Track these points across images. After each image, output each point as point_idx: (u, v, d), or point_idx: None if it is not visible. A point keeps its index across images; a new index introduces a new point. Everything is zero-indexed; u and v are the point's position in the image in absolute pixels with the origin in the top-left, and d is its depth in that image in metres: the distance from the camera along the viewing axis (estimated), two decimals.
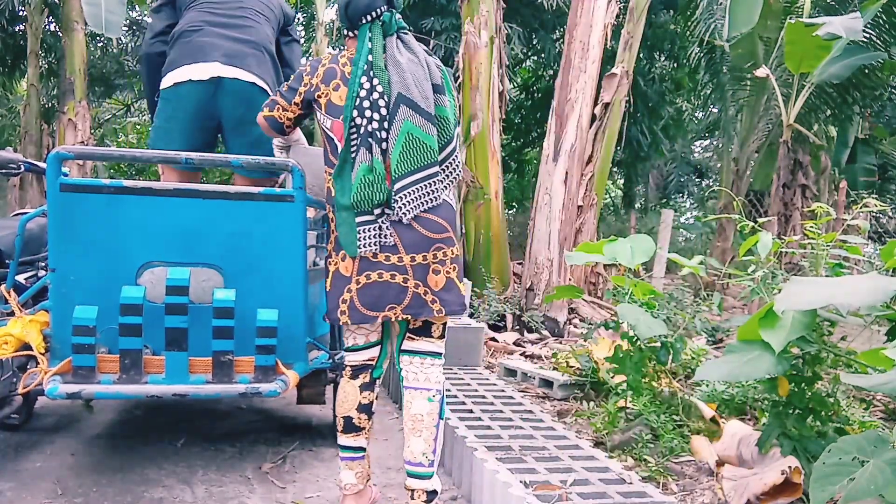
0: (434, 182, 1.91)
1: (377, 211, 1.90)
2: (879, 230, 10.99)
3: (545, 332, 5.18)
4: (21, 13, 10.90)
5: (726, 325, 3.92)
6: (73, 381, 1.90)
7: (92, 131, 9.06)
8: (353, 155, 1.90)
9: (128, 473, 2.42)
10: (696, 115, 15.09)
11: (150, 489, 2.30)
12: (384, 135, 1.89)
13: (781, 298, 1.72)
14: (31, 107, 10.42)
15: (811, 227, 2.53)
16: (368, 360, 2.06)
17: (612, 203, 18.46)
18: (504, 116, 6.28)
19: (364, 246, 1.90)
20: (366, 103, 1.89)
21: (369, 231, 1.90)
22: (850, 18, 5.87)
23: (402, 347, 2.03)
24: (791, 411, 2.23)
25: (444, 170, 1.96)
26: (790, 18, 7.01)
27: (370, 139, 1.88)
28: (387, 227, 1.91)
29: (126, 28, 12.14)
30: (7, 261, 2.30)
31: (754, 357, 2.02)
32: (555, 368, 3.70)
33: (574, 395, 3.39)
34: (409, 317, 1.93)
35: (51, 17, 11.40)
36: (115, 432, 2.90)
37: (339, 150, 1.92)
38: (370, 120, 1.89)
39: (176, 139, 2.76)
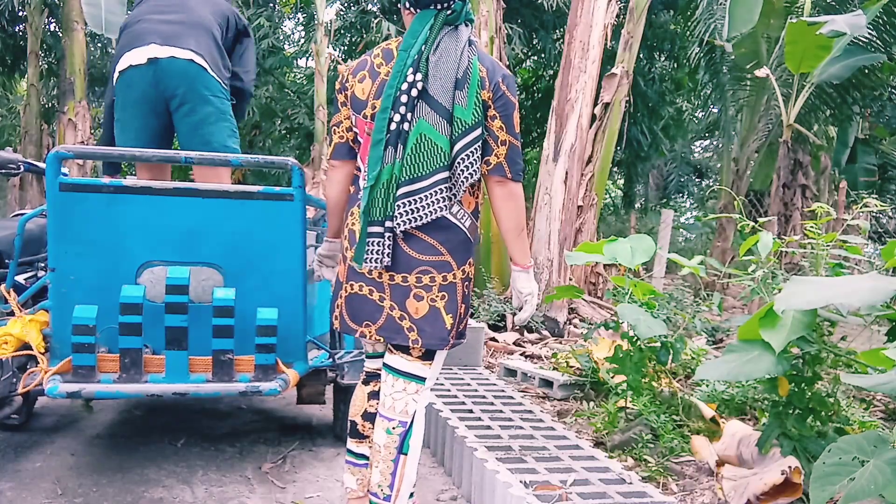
0: (438, 192, 1.69)
1: (388, 223, 1.71)
2: (879, 230, 10.99)
3: (545, 332, 5.18)
4: (21, 13, 10.91)
5: (726, 325, 3.92)
6: (73, 380, 1.90)
7: (92, 131, 9.06)
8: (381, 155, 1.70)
9: (128, 473, 2.42)
10: (696, 115, 15.09)
11: (150, 489, 2.30)
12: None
13: (781, 298, 1.72)
14: (31, 107, 10.42)
15: (811, 227, 2.53)
16: (378, 369, 1.95)
17: (612, 203, 18.46)
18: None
19: (371, 260, 1.72)
20: (404, 98, 1.68)
21: (378, 244, 1.71)
22: (852, 16, 5.88)
23: (384, 360, 1.87)
24: (791, 411, 2.23)
25: (451, 177, 1.71)
26: (791, 18, 7.01)
27: (398, 139, 1.69)
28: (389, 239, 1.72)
29: None
30: (7, 261, 2.30)
31: (754, 357, 2.02)
32: (555, 368, 3.70)
33: (574, 395, 3.39)
34: (383, 339, 1.78)
35: (51, 17, 11.41)
36: (115, 432, 2.90)
37: (360, 149, 1.78)
38: (402, 118, 1.68)
39: (130, 128, 2.75)
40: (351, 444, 1.99)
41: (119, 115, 2.78)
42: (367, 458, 1.96)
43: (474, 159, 1.70)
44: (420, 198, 1.69)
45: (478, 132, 1.69)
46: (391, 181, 1.69)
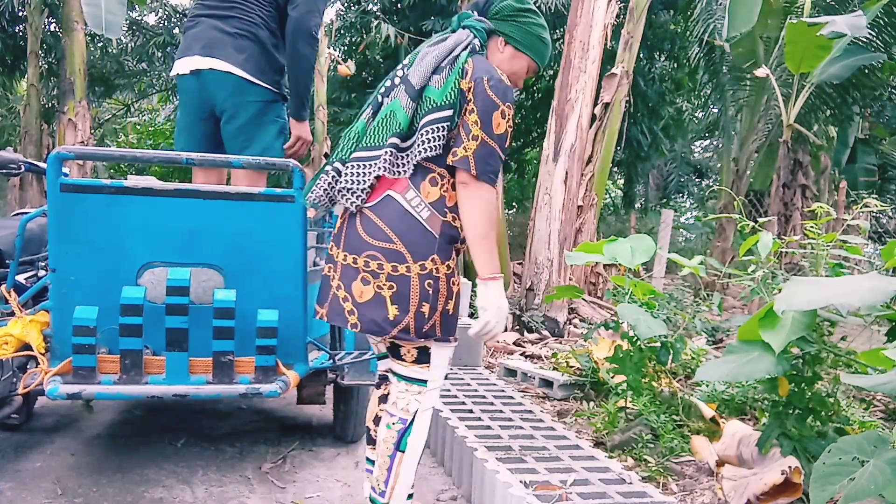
0: (383, 155, 1.70)
1: (338, 164, 1.78)
2: (879, 230, 10.99)
3: (545, 332, 5.18)
4: (21, 13, 10.91)
5: (726, 325, 3.92)
6: (74, 381, 1.90)
7: (92, 131, 9.06)
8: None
9: (128, 473, 2.42)
10: (696, 115, 15.09)
11: (150, 489, 2.30)
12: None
13: (781, 298, 1.72)
14: (31, 107, 10.41)
15: (811, 227, 2.53)
16: (386, 370, 1.92)
17: (612, 203, 18.46)
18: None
19: (315, 195, 1.80)
20: (396, 80, 1.80)
21: (323, 180, 1.78)
22: (853, 17, 5.88)
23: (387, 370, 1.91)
24: (791, 411, 2.23)
25: (404, 148, 1.72)
26: (791, 18, 7.01)
27: (375, 111, 1.81)
28: (349, 214, 1.77)
29: (126, 28, 12.14)
30: (7, 261, 2.30)
31: (754, 357, 2.02)
32: (555, 368, 3.70)
33: (574, 395, 3.39)
34: (327, 319, 1.80)
35: (51, 18, 11.41)
36: (115, 432, 2.90)
37: None
38: (384, 94, 1.81)
39: (182, 131, 2.94)
40: (367, 450, 1.99)
41: (178, 117, 2.98)
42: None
43: (436, 136, 1.69)
44: (367, 164, 1.74)
45: (447, 112, 1.68)
46: (358, 137, 1.79)
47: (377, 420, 1.94)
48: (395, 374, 1.83)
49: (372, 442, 1.97)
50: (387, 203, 1.72)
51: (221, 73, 2.73)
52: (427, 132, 1.69)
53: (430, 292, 1.71)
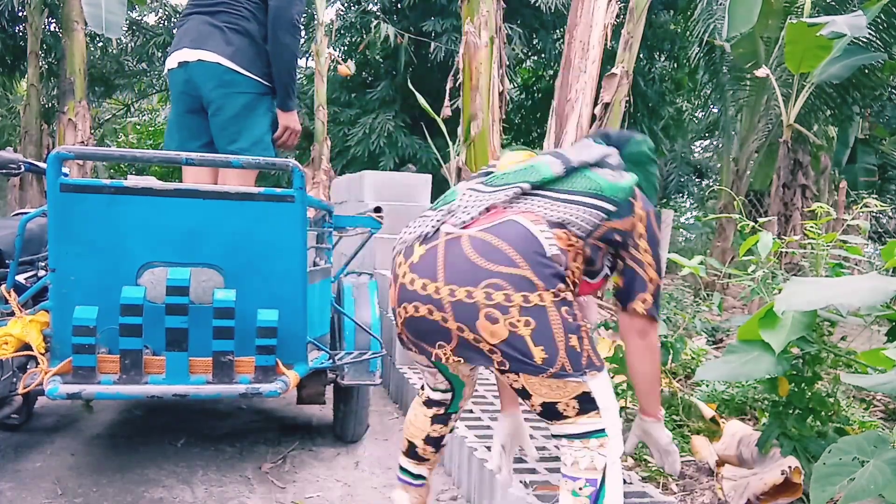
0: (499, 195, 1.56)
1: (438, 209, 1.62)
2: (879, 230, 11.00)
3: None
4: (21, 13, 10.91)
5: (726, 325, 3.92)
6: (74, 381, 1.90)
7: (92, 131, 9.07)
8: None
9: (128, 473, 2.42)
10: (696, 115, 15.10)
11: (150, 489, 2.30)
12: None
13: (781, 299, 1.72)
14: (31, 107, 10.42)
15: (811, 227, 2.53)
16: (440, 400, 1.82)
17: None
18: (504, 116, 6.28)
19: (398, 243, 1.62)
20: None
21: (413, 224, 1.62)
22: (853, 17, 5.88)
23: (551, 431, 1.59)
24: (791, 411, 2.23)
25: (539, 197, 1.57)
26: (791, 18, 7.02)
27: None
28: (444, 237, 1.53)
29: (126, 28, 12.14)
30: (7, 261, 2.30)
31: (754, 357, 2.02)
32: None
33: None
34: (462, 360, 1.52)
35: (51, 18, 11.41)
36: (115, 432, 2.90)
37: None
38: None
39: (173, 126, 2.97)
40: (407, 462, 1.86)
41: (169, 113, 3.02)
42: (425, 478, 1.86)
43: (590, 219, 1.57)
44: (486, 195, 1.62)
45: (610, 206, 1.60)
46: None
47: (430, 440, 1.82)
48: (563, 436, 1.52)
49: (418, 458, 1.84)
50: (508, 225, 1.49)
51: (209, 64, 2.74)
52: (585, 207, 1.52)
53: (572, 320, 1.46)
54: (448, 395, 1.80)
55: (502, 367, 1.46)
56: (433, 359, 1.56)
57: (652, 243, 1.66)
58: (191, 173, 2.91)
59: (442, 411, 1.82)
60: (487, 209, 1.56)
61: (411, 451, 1.85)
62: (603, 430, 1.49)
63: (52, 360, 1.99)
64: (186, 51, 2.78)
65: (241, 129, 2.79)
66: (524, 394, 1.49)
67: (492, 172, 1.71)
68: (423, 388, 1.86)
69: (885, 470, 1.47)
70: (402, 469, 1.88)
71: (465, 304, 1.44)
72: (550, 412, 1.49)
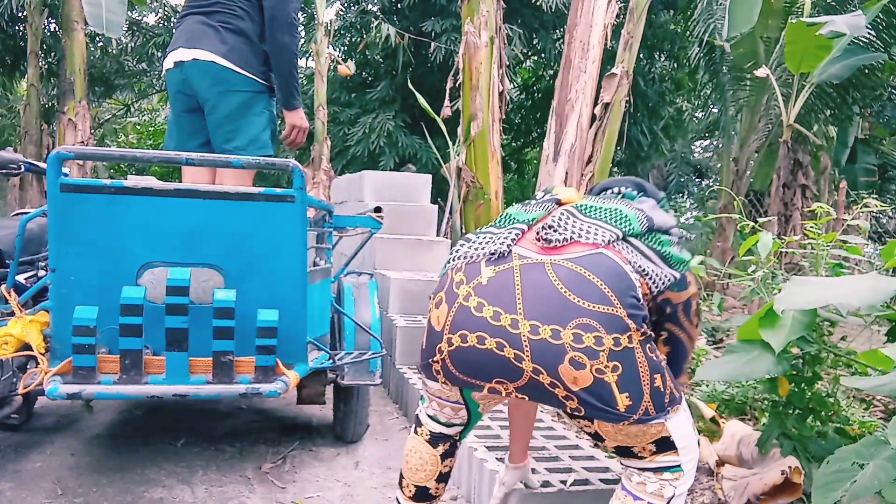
0: (607, 231, 1.42)
1: (506, 227, 1.47)
2: (879, 230, 11.00)
3: None
4: (21, 14, 10.91)
5: (726, 325, 3.92)
6: (74, 381, 1.90)
7: (92, 131, 9.06)
8: None
9: (128, 473, 2.42)
10: (696, 115, 15.10)
11: (150, 489, 2.30)
12: None
13: (781, 298, 1.72)
14: (31, 107, 10.42)
15: (811, 227, 2.53)
16: (452, 434, 1.66)
17: None
18: (504, 116, 6.28)
19: (452, 255, 1.44)
20: None
21: (476, 239, 1.45)
22: (852, 16, 5.88)
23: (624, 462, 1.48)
24: (791, 411, 2.23)
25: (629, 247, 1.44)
26: (791, 18, 7.02)
27: None
28: (518, 259, 1.37)
29: (126, 28, 12.14)
30: (7, 261, 2.30)
31: (754, 357, 2.02)
32: None
33: None
34: (526, 398, 1.38)
35: (51, 18, 11.41)
36: (115, 432, 2.90)
37: None
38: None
39: (172, 126, 2.99)
40: (399, 493, 1.70)
41: (169, 113, 3.05)
42: None
43: (666, 281, 1.49)
44: (586, 223, 1.48)
45: (677, 275, 1.52)
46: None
47: (441, 477, 1.66)
48: (637, 470, 1.44)
49: (427, 499, 1.66)
50: (598, 258, 1.35)
51: (204, 63, 2.75)
52: (660, 268, 1.42)
53: (655, 357, 1.34)
54: (461, 429, 1.65)
55: (576, 413, 1.33)
56: (485, 392, 1.39)
57: (698, 319, 1.57)
58: (189, 173, 2.92)
59: (449, 445, 1.65)
60: (571, 238, 1.40)
61: (420, 495, 1.65)
62: (679, 466, 1.38)
63: (52, 360, 1.99)
64: (182, 50, 2.79)
65: (237, 128, 2.79)
66: (596, 437, 1.40)
67: (558, 200, 1.57)
68: (419, 424, 1.65)
69: (887, 467, 1.48)
70: None
71: (548, 345, 1.28)
72: (625, 453, 1.41)
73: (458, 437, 1.67)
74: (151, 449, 2.67)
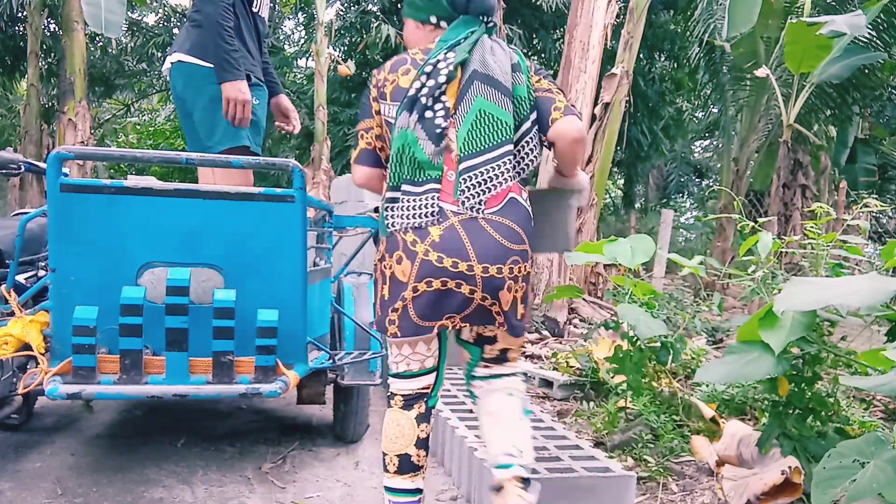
0: (504, 163, 1.68)
1: (423, 187, 1.68)
2: (879, 230, 11.00)
3: (545, 332, 5.18)
4: (21, 14, 10.91)
5: (726, 325, 3.93)
6: (74, 381, 1.90)
7: (92, 131, 9.07)
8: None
9: (128, 473, 2.43)
10: (696, 115, 15.10)
11: (150, 489, 2.31)
12: (433, 104, 1.69)
13: (781, 299, 1.72)
14: (31, 107, 10.43)
15: (811, 227, 2.53)
16: (423, 388, 1.80)
17: (612, 203, 18.46)
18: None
19: (393, 221, 1.68)
20: (428, 68, 1.71)
21: (406, 203, 1.68)
22: (852, 16, 5.88)
23: (475, 374, 1.88)
24: (791, 411, 2.23)
25: (517, 153, 1.74)
26: (791, 18, 7.02)
27: (413, 104, 1.69)
28: (457, 224, 1.66)
29: (126, 28, 12.14)
30: (7, 261, 2.30)
31: (754, 357, 2.02)
32: (555, 368, 3.70)
33: (574, 395, 3.39)
34: (468, 325, 1.76)
35: (50, 18, 11.41)
36: (115, 432, 2.90)
37: None
38: (423, 86, 1.70)
39: (183, 128, 3.04)
40: (402, 481, 1.77)
41: None
42: (421, 491, 1.81)
43: (536, 143, 1.78)
44: (492, 167, 1.69)
45: (535, 115, 1.77)
46: (407, 144, 1.69)
47: (420, 443, 1.78)
48: (490, 377, 1.87)
49: (413, 469, 1.77)
50: (512, 207, 1.71)
51: (177, 65, 2.80)
52: (530, 140, 1.77)
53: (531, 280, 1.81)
54: (431, 378, 1.82)
55: (498, 323, 1.74)
56: (437, 330, 1.71)
57: (546, 76, 1.84)
58: (206, 176, 2.91)
59: (424, 408, 1.80)
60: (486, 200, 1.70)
61: (405, 465, 1.76)
62: (521, 373, 1.91)
63: (52, 360, 1.99)
64: (169, 57, 2.85)
65: (213, 123, 2.76)
66: (492, 340, 1.84)
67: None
68: (392, 397, 1.82)
69: (887, 469, 1.47)
70: (394, 491, 1.77)
71: (494, 279, 1.68)
72: (502, 359, 1.86)
73: (430, 397, 1.83)
74: (151, 449, 2.67)
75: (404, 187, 1.70)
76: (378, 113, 1.78)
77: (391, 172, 1.71)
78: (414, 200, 1.69)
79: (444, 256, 1.65)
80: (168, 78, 2.90)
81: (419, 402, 1.80)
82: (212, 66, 2.69)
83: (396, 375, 1.80)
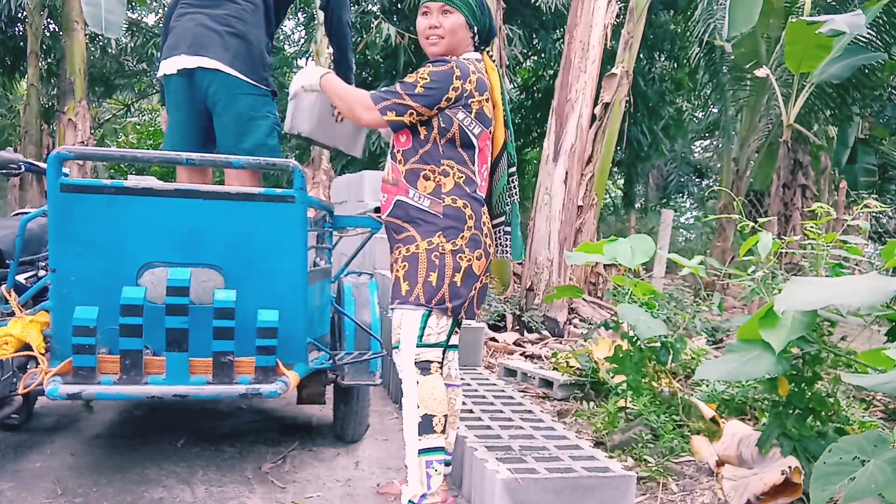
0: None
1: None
2: (879, 230, 11.00)
3: (545, 332, 5.18)
4: (20, 15, 10.90)
5: (726, 325, 3.93)
6: (74, 381, 1.90)
7: (92, 131, 9.06)
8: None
9: (128, 473, 2.42)
10: (696, 115, 15.10)
11: (150, 489, 2.31)
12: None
13: (781, 299, 1.72)
14: (31, 107, 10.42)
15: (811, 227, 2.53)
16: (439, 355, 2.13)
17: (612, 203, 18.46)
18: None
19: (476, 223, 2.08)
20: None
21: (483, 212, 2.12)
22: (852, 16, 5.88)
23: (451, 342, 2.14)
24: (791, 411, 2.23)
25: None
26: (791, 18, 7.02)
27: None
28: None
29: (126, 28, 12.13)
30: (7, 261, 2.30)
31: (754, 357, 2.02)
32: (555, 368, 3.70)
33: (574, 395, 3.39)
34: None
35: (50, 18, 11.41)
36: (115, 432, 2.90)
37: (476, 154, 2.07)
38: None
39: (174, 130, 2.92)
40: (444, 440, 2.04)
41: (168, 117, 2.98)
42: None
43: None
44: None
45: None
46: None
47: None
48: (455, 347, 2.22)
49: (447, 428, 2.10)
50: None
51: (210, 71, 2.75)
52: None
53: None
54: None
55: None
56: (476, 320, 2.26)
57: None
58: (185, 176, 2.89)
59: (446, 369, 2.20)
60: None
61: (445, 424, 2.03)
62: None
63: (53, 360, 1.99)
64: (185, 57, 2.75)
65: (245, 130, 2.79)
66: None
67: None
68: (428, 364, 2.05)
69: (886, 469, 1.47)
70: (437, 450, 2.01)
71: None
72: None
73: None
74: (151, 449, 2.67)
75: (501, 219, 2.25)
76: (446, 110, 2.02)
77: (498, 189, 2.20)
78: (484, 213, 2.12)
79: (485, 257, 2.10)
80: (185, 78, 2.79)
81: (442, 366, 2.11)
82: (251, 81, 2.80)
83: (435, 345, 2.05)
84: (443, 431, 2.01)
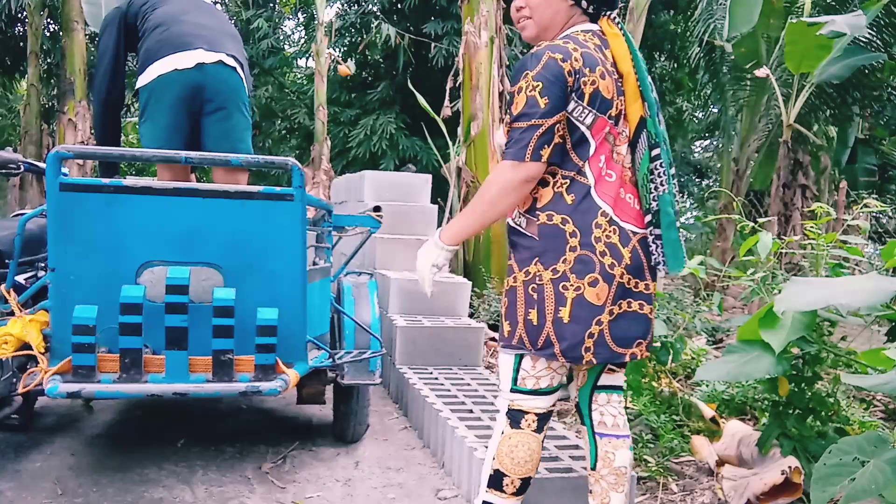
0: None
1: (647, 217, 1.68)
2: (879, 230, 11.00)
3: None
4: (21, 14, 10.90)
5: (726, 325, 3.92)
6: (74, 380, 1.90)
7: (92, 131, 9.05)
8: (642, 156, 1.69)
9: (128, 473, 2.42)
10: (696, 115, 15.09)
11: (150, 489, 2.30)
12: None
13: (781, 299, 1.72)
14: (31, 107, 10.41)
15: (811, 227, 2.53)
16: (553, 406, 1.73)
17: None
18: (504, 116, 6.27)
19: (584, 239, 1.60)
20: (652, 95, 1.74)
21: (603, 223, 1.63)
22: (852, 16, 5.87)
23: (599, 383, 1.76)
24: (791, 411, 2.23)
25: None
26: (791, 18, 7.01)
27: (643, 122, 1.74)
28: (633, 236, 1.66)
29: None
30: (7, 261, 2.30)
31: (754, 357, 2.02)
32: None
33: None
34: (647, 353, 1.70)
35: (50, 18, 11.41)
36: (115, 432, 2.90)
37: (590, 149, 1.61)
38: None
39: (164, 127, 2.79)
40: (514, 501, 1.72)
41: (151, 114, 2.80)
42: None
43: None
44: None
45: None
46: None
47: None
48: (613, 389, 1.77)
49: (526, 491, 1.73)
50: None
51: (228, 69, 2.76)
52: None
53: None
54: (558, 395, 1.75)
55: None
56: (627, 359, 1.65)
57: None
58: (167, 174, 2.85)
59: (546, 426, 1.75)
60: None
61: (524, 487, 1.71)
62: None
63: (52, 359, 1.99)
64: (202, 52, 2.72)
65: (242, 139, 2.84)
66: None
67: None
68: (520, 415, 1.69)
69: (886, 470, 1.47)
70: None
71: (652, 294, 1.71)
72: (619, 388, 1.80)
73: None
74: (151, 449, 2.67)
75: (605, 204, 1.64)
76: (564, 108, 1.57)
77: (639, 181, 1.69)
78: (604, 222, 1.62)
79: (634, 279, 1.65)
80: (199, 72, 2.73)
81: (548, 422, 1.72)
82: (246, 87, 2.85)
83: (532, 392, 1.68)
84: (515, 494, 1.70)
